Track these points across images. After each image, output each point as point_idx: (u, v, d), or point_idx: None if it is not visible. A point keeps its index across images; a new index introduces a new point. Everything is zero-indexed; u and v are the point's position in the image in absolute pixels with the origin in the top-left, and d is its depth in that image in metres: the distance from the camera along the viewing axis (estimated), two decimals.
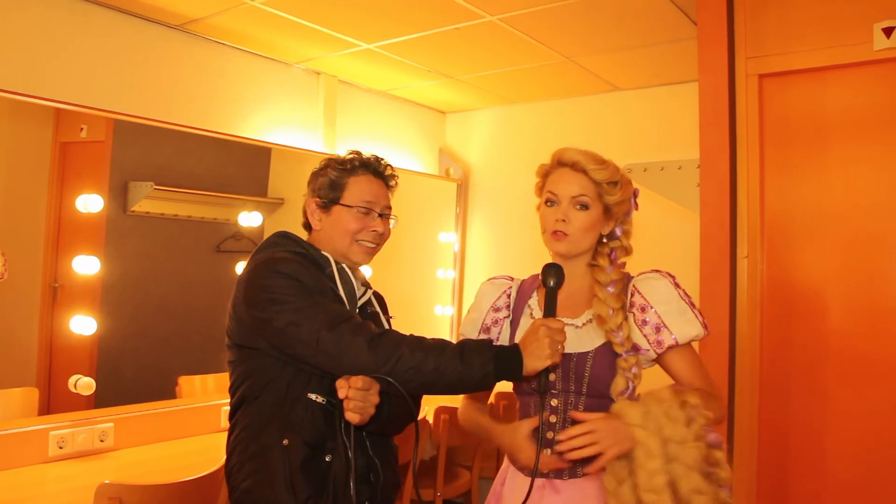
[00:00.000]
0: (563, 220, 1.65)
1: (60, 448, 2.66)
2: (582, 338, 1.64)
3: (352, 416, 1.54)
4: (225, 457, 1.75)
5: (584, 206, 1.65)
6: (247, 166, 3.63)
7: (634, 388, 1.61)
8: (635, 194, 1.75)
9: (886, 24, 2.34)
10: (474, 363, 1.53)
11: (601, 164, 1.66)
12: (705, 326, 1.64)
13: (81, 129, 2.90)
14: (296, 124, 3.87)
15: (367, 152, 1.88)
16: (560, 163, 1.69)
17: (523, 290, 1.81)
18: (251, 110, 3.65)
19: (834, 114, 2.52)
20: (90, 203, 2.86)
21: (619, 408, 1.50)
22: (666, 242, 3.63)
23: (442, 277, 4.69)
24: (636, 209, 1.76)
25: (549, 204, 1.69)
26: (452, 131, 4.88)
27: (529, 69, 3.81)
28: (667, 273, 1.69)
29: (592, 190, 1.65)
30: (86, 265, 2.85)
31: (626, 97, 4.15)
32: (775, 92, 2.62)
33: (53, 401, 2.76)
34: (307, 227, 1.86)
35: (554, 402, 1.65)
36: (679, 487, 1.42)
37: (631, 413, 1.47)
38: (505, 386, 1.86)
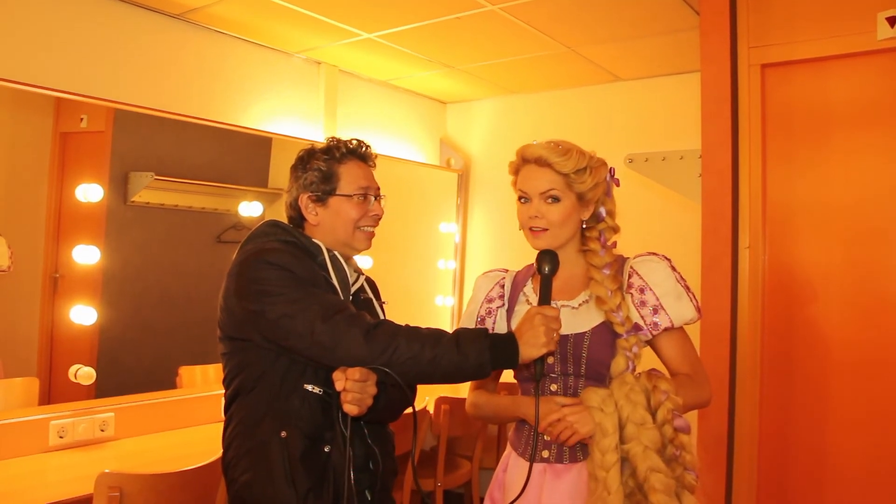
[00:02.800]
0: (537, 217, 1.66)
1: (61, 438, 2.66)
2: (578, 319, 1.66)
3: (350, 408, 1.53)
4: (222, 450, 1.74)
5: (555, 199, 1.66)
6: (247, 156, 3.62)
7: (634, 368, 1.62)
8: (612, 173, 1.74)
9: (890, 13, 2.33)
10: (470, 352, 1.52)
11: (565, 154, 1.65)
12: (699, 310, 1.67)
13: (81, 119, 2.89)
14: (296, 114, 3.85)
15: (347, 137, 1.85)
16: (525, 160, 1.70)
17: (518, 280, 1.82)
18: (252, 100, 3.64)
19: (836, 104, 2.51)
20: (90, 193, 2.86)
21: (584, 393, 1.59)
22: (667, 232, 3.63)
23: (443, 268, 4.69)
24: (617, 185, 1.77)
25: (522, 201, 1.71)
26: (453, 121, 4.87)
27: (531, 59, 3.79)
28: (663, 256, 1.70)
29: (560, 182, 1.65)
30: (86, 255, 2.85)
31: (628, 87, 4.13)
32: (778, 82, 2.60)
33: (54, 390, 2.77)
34: (295, 222, 1.82)
35: (553, 388, 1.66)
36: (637, 465, 1.50)
37: (592, 397, 1.56)
38: (505, 376, 1.86)
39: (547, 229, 1.66)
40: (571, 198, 1.66)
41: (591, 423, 1.53)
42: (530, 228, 1.68)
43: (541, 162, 1.66)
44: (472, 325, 1.82)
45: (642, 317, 1.63)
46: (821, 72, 2.54)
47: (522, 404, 1.70)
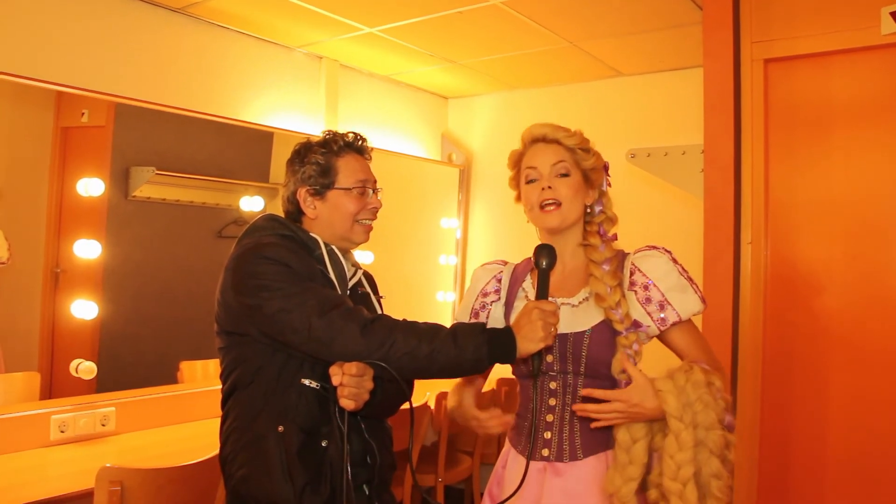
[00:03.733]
0: (550, 188, 1.66)
1: (62, 432, 2.67)
2: (578, 317, 1.64)
3: (347, 403, 1.52)
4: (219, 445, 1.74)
5: (566, 173, 1.68)
6: (248, 151, 3.62)
7: (636, 365, 1.60)
8: (606, 167, 1.76)
9: (894, 8, 2.31)
10: (468, 347, 1.52)
11: (568, 131, 1.71)
12: (703, 300, 1.66)
13: (83, 113, 2.89)
14: (298, 109, 3.85)
15: (344, 130, 1.85)
16: (532, 140, 1.73)
17: (517, 274, 1.81)
18: (253, 95, 3.63)
19: (839, 99, 2.50)
20: (91, 187, 2.85)
21: (660, 385, 1.50)
22: (669, 228, 3.62)
23: (444, 263, 4.69)
24: (609, 186, 1.78)
25: (529, 182, 1.71)
26: (455, 117, 4.86)
27: (533, 54, 3.78)
28: (664, 249, 1.69)
29: (569, 157, 1.69)
30: (87, 250, 2.85)
31: (630, 83, 4.12)
32: (780, 77, 2.59)
33: (55, 385, 2.77)
34: (293, 216, 1.82)
35: (553, 385, 1.65)
36: (700, 472, 1.46)
37: (671, 402, 1.48)
38: (506, 371, 1.86)
39: (560, 203, 1.66)
40: (578, 174, 1.69)
41: (650, 412, 1.49)
42: (541, 206, 1.67)
43: (548, 138, 1.70)
44: (467, 318, 1.82)
45: (649, 313, 1.62)
46: (824, 67, 2.53)
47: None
